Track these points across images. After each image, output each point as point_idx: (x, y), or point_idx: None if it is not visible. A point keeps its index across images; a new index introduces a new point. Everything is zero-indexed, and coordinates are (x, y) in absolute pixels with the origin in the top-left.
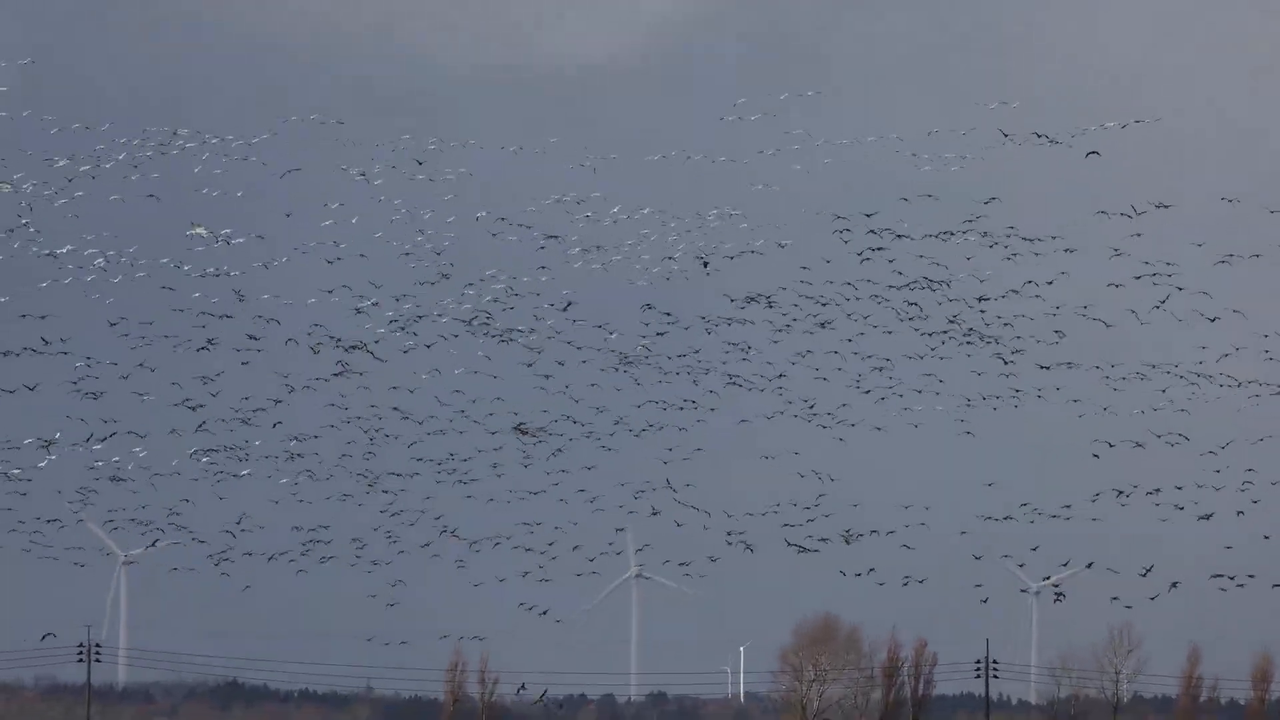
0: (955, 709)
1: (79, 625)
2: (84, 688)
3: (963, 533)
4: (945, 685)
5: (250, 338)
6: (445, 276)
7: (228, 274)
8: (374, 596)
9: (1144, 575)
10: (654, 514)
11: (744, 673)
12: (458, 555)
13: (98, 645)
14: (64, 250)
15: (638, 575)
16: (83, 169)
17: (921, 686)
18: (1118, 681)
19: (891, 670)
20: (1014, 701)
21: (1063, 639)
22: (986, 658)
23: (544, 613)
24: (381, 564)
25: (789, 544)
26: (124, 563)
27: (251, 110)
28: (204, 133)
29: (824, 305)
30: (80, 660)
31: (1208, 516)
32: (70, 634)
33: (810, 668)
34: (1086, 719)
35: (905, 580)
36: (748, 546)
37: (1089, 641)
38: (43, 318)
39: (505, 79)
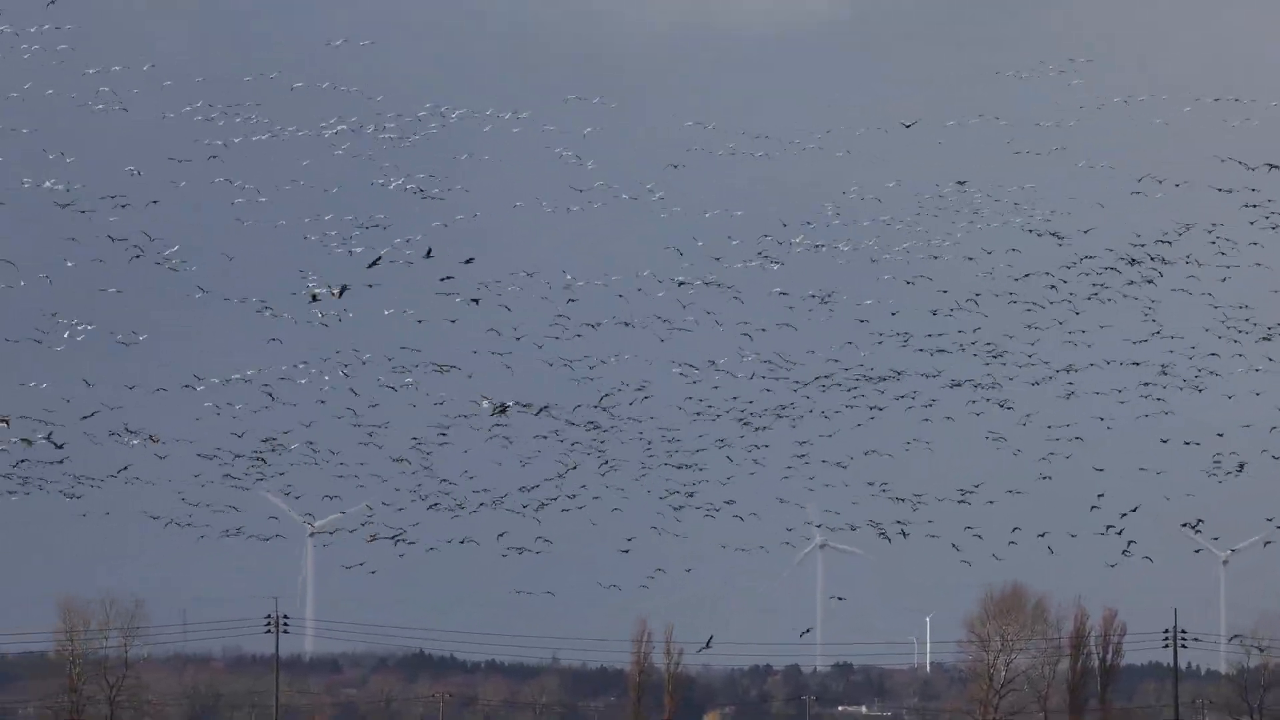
0: (1143, 679)
1: (267, 597)
2: (272, 659)
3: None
4: (1132, 655)
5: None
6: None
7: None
8: (513, 551)
9: None
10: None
11: (930, 642)
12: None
13: (285, 616)
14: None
15: (822, 545)
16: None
17: (1110, 656)
18: None
19: (1079, 640)
20: (1203, 671)
21: (1253, 608)
22: (1175, 627)
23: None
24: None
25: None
26: (311, 534)
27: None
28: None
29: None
30: (268, 631)
31: None
32: (258, 605)
33: (997, 638)
34: (1277, 689)
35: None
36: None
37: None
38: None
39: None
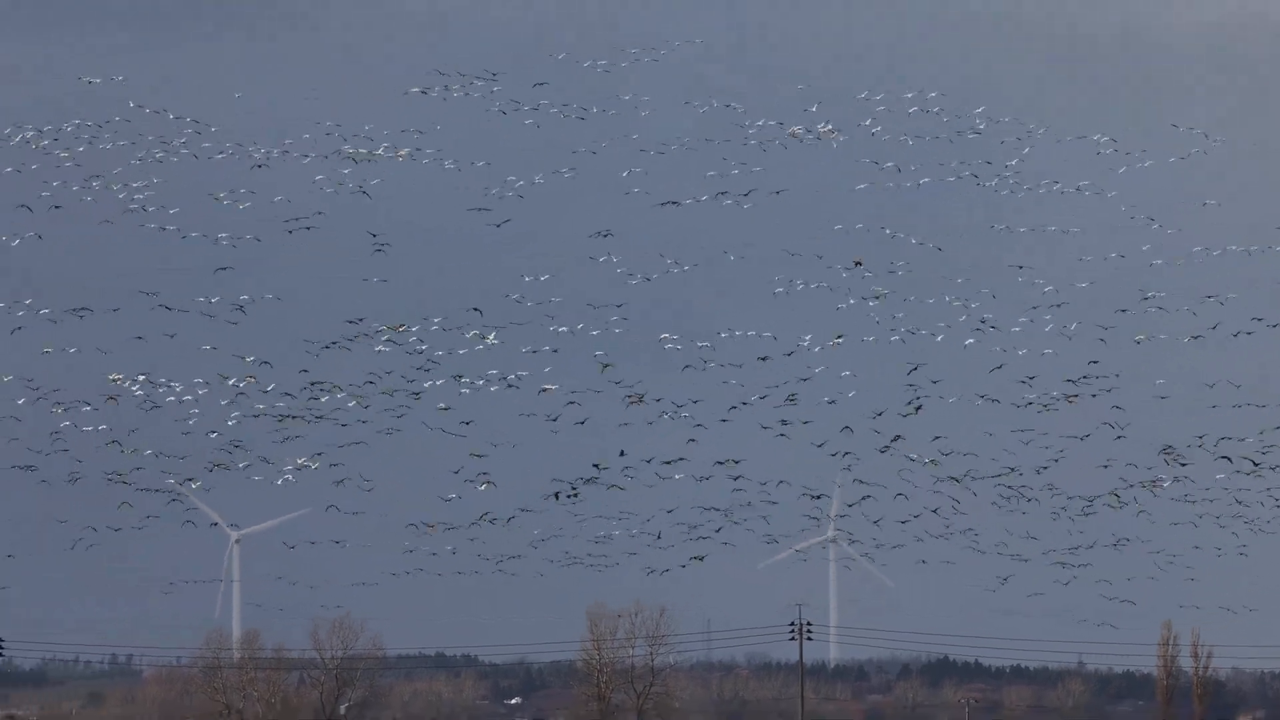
0: None
1: (790, 605)
2: (797, 665)
3: None
4: None
5: None
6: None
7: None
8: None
9: None
10: None
11: None
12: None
13: (809, 624)
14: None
15: None
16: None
17: None
18: None
19: None
20: None
21: None
22: None
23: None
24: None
25: None
26: (831, 540)
27: None
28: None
29: None
30: (792, 639)
31: None
32: (782, 613)
33: None
34: None
35: None
36: None
37: None
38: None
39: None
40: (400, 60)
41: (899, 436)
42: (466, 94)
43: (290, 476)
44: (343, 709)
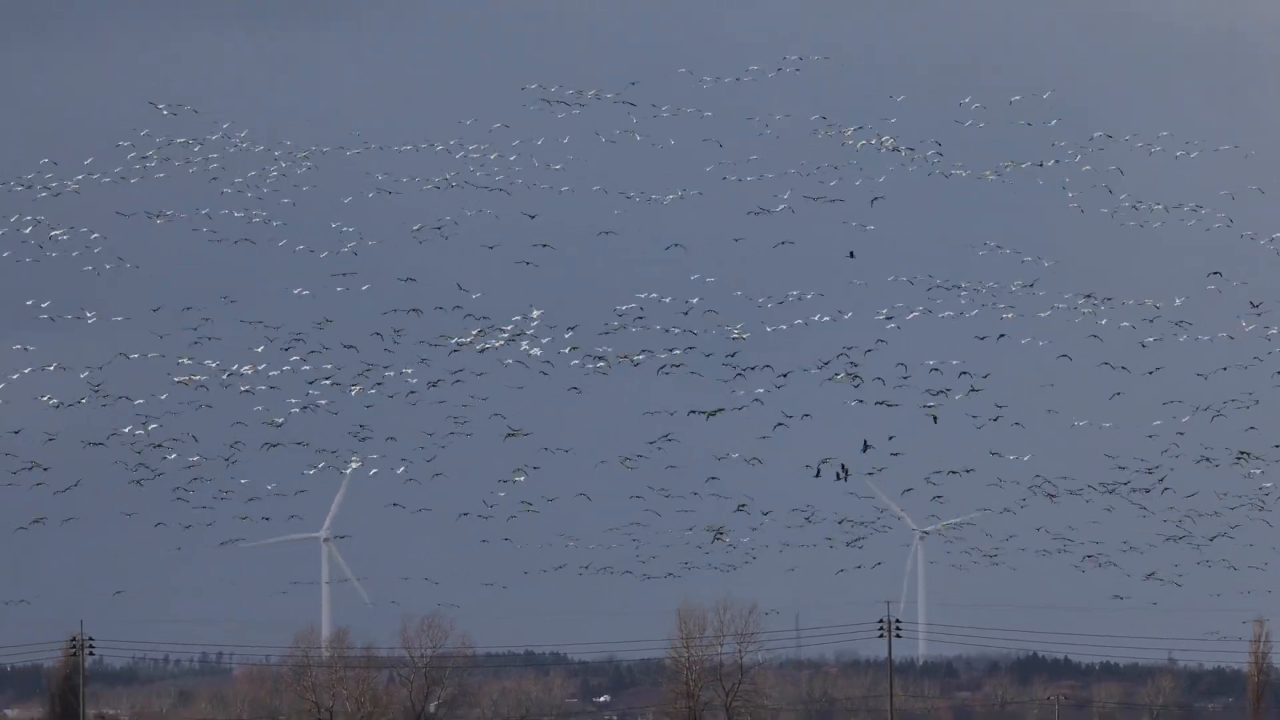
0: None
1: (878, 602)
2: (886, 663)
3: None
4: None
5: None
6: None
7: None
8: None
9: None
10: None
11: None
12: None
13: (897, 621)
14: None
15: None
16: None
17: None
18: None
19: None
20: None
21: None
22: None
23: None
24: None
25: None
26: (920, 536)
27: None
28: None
29: None
30: (881, 636)
31: None
32: (870, 610)
33: None
34: None
35: None
36: None
37: None
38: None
39: None
40: (518, 76)
41: (937, 394)
42: (583, 110)
43: (365, 467)
44: (432, 707)
